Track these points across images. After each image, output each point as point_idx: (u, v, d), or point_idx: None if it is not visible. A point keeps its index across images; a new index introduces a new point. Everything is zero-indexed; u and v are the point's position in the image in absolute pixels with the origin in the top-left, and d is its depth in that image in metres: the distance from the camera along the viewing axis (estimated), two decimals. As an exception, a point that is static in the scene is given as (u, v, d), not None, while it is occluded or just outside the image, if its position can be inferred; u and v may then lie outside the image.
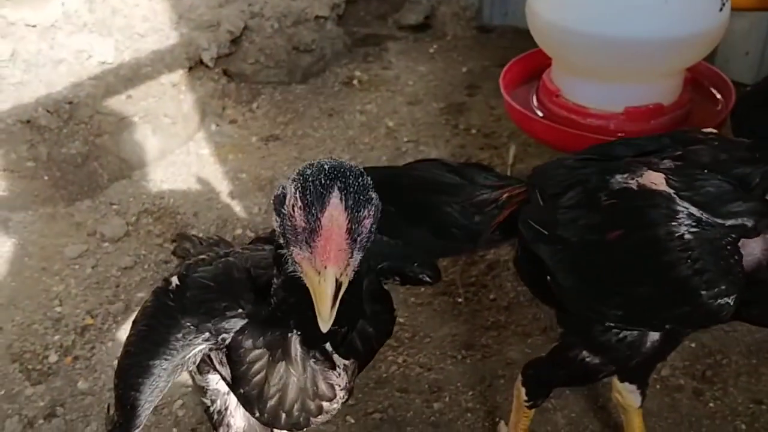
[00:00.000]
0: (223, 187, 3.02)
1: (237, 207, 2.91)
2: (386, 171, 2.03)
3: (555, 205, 1.55)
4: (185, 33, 3.32)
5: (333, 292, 0.99)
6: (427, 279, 1.56)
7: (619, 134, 2.16)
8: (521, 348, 2.24)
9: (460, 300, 2.44)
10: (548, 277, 1.56)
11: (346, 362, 1.33)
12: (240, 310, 1.30)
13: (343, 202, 0.97)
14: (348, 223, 0.97)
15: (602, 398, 2.07)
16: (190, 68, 3.29)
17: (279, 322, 1.25)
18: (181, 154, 3.18)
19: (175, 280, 1.39)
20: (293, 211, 0.99)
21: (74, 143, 2.89)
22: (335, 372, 1.32)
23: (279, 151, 3.21)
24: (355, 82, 3.63)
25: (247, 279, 1.34)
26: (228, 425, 1.51)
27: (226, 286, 1.34)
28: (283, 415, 1.33)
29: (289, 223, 1.00)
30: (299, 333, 1.23)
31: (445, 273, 2.52)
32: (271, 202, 1.06)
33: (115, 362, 2.24)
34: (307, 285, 1.02)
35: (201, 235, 2.71)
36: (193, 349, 1.30)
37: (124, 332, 2.33)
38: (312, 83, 3.62)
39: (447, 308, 2.41)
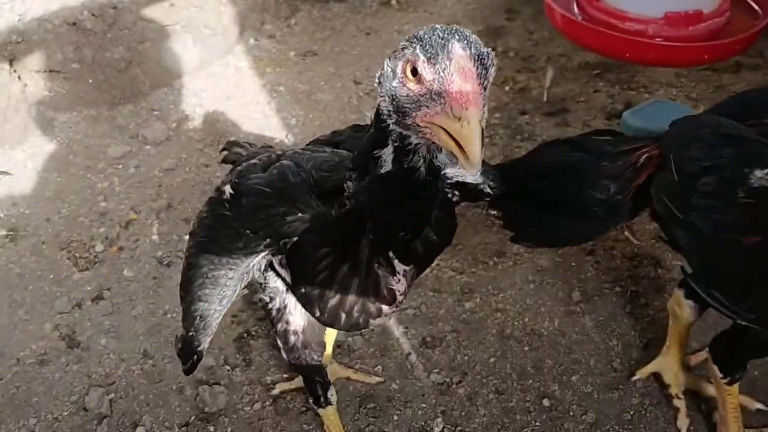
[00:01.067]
0: (261, 98, 3.06)
1: (274, 118, 2.96)
2: (510, 166, 1.93)
3: (690, 187, 1.47)
4: (227, -55, 3.32)
5: (480, 132, 0.94)
6: (488, 190, 1.53)
7: (657, 39, 2.18)
8: (552, 257, 2.29)
9: (493, 212, 2.48)
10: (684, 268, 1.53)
11: (407, 268, 1.33)
12: (300, 215, 1.30)
13: (467, 50, 0.94)
14: (476, 69, 0.94)
15: (630, 305, 2.13)
16: (231, -20, 3.30)
17: (349, 226, 1.22)
18: (220, 65, 3.22)
19: (228, 188, 1.39)
20: (414, 72, 0.96)
21: (118, 48, 2.94)
22: (395, 278, 1.32)
23: (316, 66, 3.23)
24: (393, 2, 3.62)
25: (304, 182, 1.34)
26: (287, 322, 1.53)
27: (283, 191, 1.34)
28: (343, 316, 1.34)
29: (407, 91, 0.98)
30: (372, 237, 1.21)
31: (479, 185, 2.57)
32: (376, 84, 1.04)
33: (159, 254, 2.34)
34: (442, 142, 0.98)
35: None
36: (257, 256, 1.31)
37: (167, 227, 2.42)
38: (350, 2, 3.62)
39: (480, 219, 2.46)
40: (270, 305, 1.53)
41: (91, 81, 2.91)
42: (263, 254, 1.31)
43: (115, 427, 1.86)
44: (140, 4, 2.98)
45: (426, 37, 0.95)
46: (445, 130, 0.96)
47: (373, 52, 3.31)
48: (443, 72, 0.94)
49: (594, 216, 1.66)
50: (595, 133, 1.89)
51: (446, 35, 0.95)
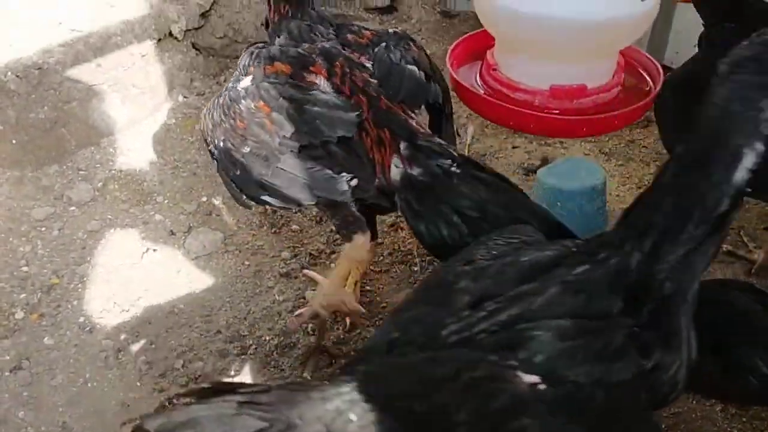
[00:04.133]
0: (189, 156, 3.09)
1: (202, 176, 2.98)
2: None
3: None
4: (155, 4, 3.35)
5: None
6: None
7: (545, 111, 2.19)
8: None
9: (416, 269, 2.55)
10: None
11: None
12: None
13: None
14: None
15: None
16: (159, 40, 3.34)
17: None
18: (148, 123, 3.24)
19: None
20: None
21: (43, 109, 2.93)
22: None
23: (245, 124, 3.27)
24: (321, 59, 3.70)
25: None
26: None
27: None
28: None
29: None
30: None
31: (402, 243, 2.64)
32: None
33: (81, 320, 2.33)
34: None
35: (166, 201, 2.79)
36: None
37: (89, 292, 2.42)
38: (279, 59, 3.69)
39: (404, 276, 2.53)
40: None
41: (14, 142, 2.89)
42: None
43: (31, 504, 1.84)
44: (66, 65, 2.99)
45: None
46: None
47: (301, 109, 3.38)
48: None
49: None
50: None
51: None
